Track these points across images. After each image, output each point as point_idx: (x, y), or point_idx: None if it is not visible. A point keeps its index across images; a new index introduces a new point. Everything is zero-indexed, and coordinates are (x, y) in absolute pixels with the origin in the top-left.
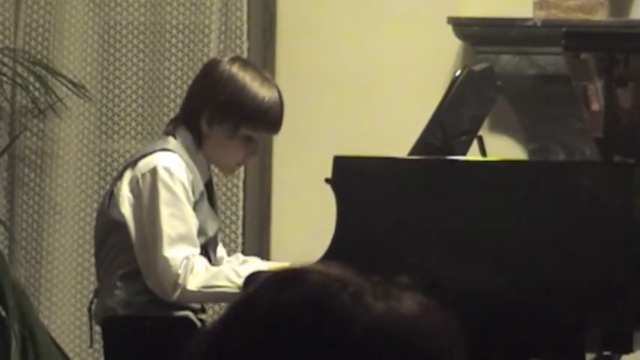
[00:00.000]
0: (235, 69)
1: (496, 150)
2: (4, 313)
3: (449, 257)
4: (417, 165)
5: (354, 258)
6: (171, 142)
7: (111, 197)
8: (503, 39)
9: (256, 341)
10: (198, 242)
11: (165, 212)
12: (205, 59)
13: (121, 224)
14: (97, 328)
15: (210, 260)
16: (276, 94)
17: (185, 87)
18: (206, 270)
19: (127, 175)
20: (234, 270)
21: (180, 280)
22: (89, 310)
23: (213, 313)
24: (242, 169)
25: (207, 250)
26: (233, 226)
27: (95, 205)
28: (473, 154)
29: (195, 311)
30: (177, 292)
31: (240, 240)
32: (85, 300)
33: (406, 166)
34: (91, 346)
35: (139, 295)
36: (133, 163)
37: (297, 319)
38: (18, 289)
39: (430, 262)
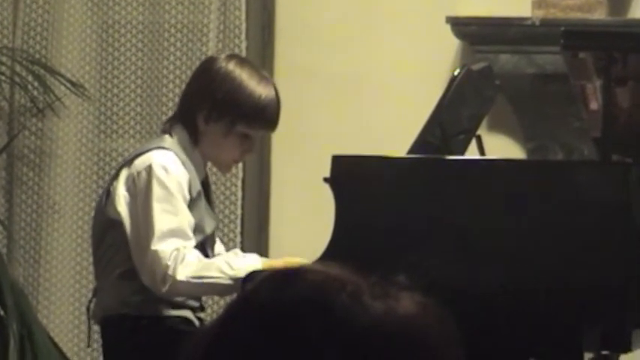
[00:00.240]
0: (232, 66)
1: (495, 149)
2: (2, 313)
3: (447, 256)
4: (415, 164)
5: (352, 257)
6: (168, 140)
7: (107, 196)
8: (502, 38)
9: (254, 340)
10: (192, 236)
11: (157, 208)
12: (203, 58)
13: (118, 223)
14: (96, 328)
15: (207, 257)
16: (272, 91)
17: (184, 86)
18: (198, 261)
19: (124, 174)
20: (226, 262)
21: (170, 272)
22: (87, 309)
23: (212, 312)
24: (240, 168)
25: (205, 248)
26: (232, 225)
27: (94, 205)
28: (471, 153)
29: (193, 310)
30: (168, 284)
31: (238, 239)
32: (84, 299)
33: (405, 165)
34: (89, 346)
35: (136, 293)
36: (129, 162)
37: (295, 319)
38: (16, 289)
39: (428, 262)
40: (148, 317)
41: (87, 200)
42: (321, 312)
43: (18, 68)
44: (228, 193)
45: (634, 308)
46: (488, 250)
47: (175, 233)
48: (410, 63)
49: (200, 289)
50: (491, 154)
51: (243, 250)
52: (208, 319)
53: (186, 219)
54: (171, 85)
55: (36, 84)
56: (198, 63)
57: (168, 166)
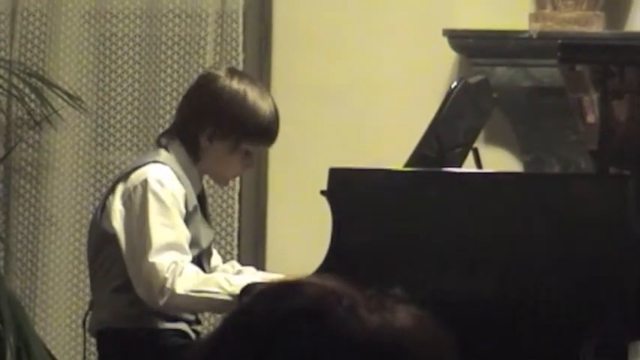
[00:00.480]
0: (235, 84)
1: (491, 162)
2: None
3: (444, 269)
4: (412, 177)
5: (349, 270)
6: (163, 154)
7: (103, 210)
8: (499, 51)
9: (251, 353)
10: (188, 250)
11: (154, 221)
12: (201, 71)
13: (113, 237)
14: (93, 340)
15: (203, 271)
16: (272, 106)
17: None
18: (196, 275)
19: (119, 189)
20: (225, 278)
21: (168, 285)
22: (84, 323)
23: (209, 325)
24: (237, 181)
25: (201, 262)
26: (228, 238)
27: (90, 217)
28: (468, 166)
29: (189, 323)
30: (165, 297)
31: (235, 252)
32: (81, 311)
33: (402, 178)
34: (84, 359)
35: (132, 307)
36: (125, 176)
37: (292, 331)
38: (13, 301)
39: (425, 274)
40: (144, 330)
41: (84, 213)
42: (317, 325)
43: (15, 80)
44: (225, 206)
45: (630, 320)
46: (485, 263)
47: (173, 247)
48: (407, 76)
49: (198, 303)
50: (488, 167)
51: (240, 263)
52: (205, 332)
53: (183, 233)
54: (168, 98)
55: (33, 96)
56: (195, 75)
57: (164, 180)
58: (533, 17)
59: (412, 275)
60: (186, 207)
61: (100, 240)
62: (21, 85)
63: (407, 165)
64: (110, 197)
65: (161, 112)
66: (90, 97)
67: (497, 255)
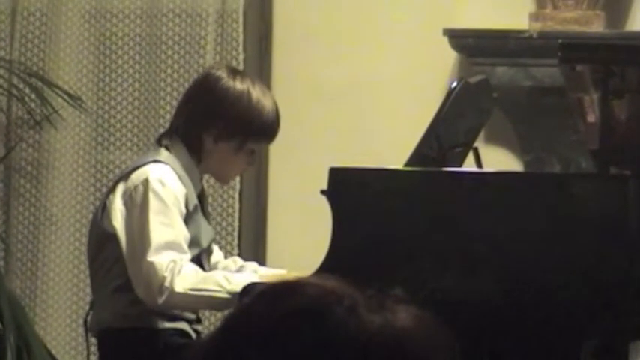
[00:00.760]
0: (239, 85)
1: (492, 162)
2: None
3: (444, 269)
4: (413, 176)
5: (349, 270)
6: (164, 154)
7: (103, 210)
8: (499, 51)
9: (252, 352)
10: (187, 249)
11: (154, 220)
12: (201, 70)
13: (114, 236)
14: (94, 340)
15: (203, 270)
16: (273, 102)
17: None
18: (195, 273)
19: (120, 188)
20: (224, 276)
21: (167, 283)
22: (85, 322)
23: (209, 324)
24: (237, 180)
25: (201, 261)
26: (229, 238)
27: (91, 217)
28: (468, 166)
29: (190, 322)
30: (165, 296)
31: (235, 251)
32: (81, 311)
33: (402, 177)
34: (87, 359)
35: (132, 306)
36: (125, 176)
37: (292, 331)
38: (14, 301)
39: (425, 274)
40: (145, 330)
41: (84, 212)
42: (318, 325)
43: (15, 80)
44: (225, 205)
45: (631, 320)
46: (485, 263)
47: (171, 246)
48: (407, 75)
49: (197, 301)
50: (489, 166)
51: None
52: (205, 331)
53: (182, 233)
54: (168, 98)
55: (33, 96)
56: (195, 75)
57: (165, 179)
58: (534, 17)
59: (412, 275)
60: (186, 206)
61: (101, 239)
62: (21, 85)
63: (407, 164)
64: (111, 197)
65: (161, 111)
66: (90, 96)
67: (497, 255)
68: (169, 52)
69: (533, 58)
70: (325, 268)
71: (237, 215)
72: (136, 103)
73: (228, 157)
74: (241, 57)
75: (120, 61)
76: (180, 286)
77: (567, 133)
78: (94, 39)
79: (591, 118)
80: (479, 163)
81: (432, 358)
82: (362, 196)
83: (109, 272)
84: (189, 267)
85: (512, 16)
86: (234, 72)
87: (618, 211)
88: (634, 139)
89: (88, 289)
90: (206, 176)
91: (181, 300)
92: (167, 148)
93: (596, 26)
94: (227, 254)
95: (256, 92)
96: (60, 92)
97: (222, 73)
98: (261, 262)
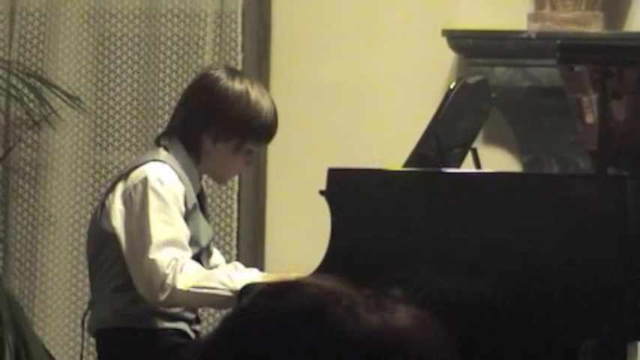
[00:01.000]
0: (238, 85)
1: (490, 162)
2: None
3: (443, 269)
4: (411, 177)
5: (348, 270)
6: (162, 153)
7: (102, 209)
8: (498, 51)
9: (250, 353)
10: (188, 248)
11: (154, 218)
12: (200, 71)
13: (113, 236)
14: (92, 340)
15: None
16: (271, 102)
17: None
18: (197, 271)
19: (119, 188)
20: (226, 274)
21: (169, 281)
22: (82, 322)
23: (208, 324)
24: (236, 180)
25: (200, 260)
26: (227, 238)
27: (89, 217)
28: (467, 166)
29: (189, 322)
30: (167, 293)
31: (234, 251)
32: (80, 311)
33: (400, 178)
34: (81, 358)
35: (131, 306)
36: (125, 176)
37: (290, 332)
38: (12, 301)
39: (424, 274)
40: (144, 330)
41: (82, 213)
42: (316, 325)
43: (14, 80)
44: (223, 205)
45: (630, 321)
46: (484, 264)
47: (173, 243)
48: (406, 76)
49: (199, 299)
50: (487, 167)
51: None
52: (204, 331)
53: (182, 230)
54: (167, 98)
55: (32, 96)
56: (194, 76)
57: (164, 178)
58: (532, 17)
59: (410, 275)
60: (185, 205)
61: (100, 239)
62: (20, 85)
63: (406, 165)
64: (110, 196)
65: (160, 112)
66: (89, 97)
67: (496, 255)
68: (168, 53)
69: (532, 58)
70: (324, 268)
71: (235, 215)
72: (135, 103)
73: (226, 157)
74: (240, 57)
75: (118, 62)
76: (183, 283)
77: (566, 133)
78: (92, 39)
79: (590, 118)
80: (477, 164)
81: (430, 358)
82: (360, 196)
83: (108, 272)
84: (192, 264)
85: (510, 17)
86: (232, 72)
87: (617, 211)
88: (632, 139)
89: (87, 290)
90: (205, 176)
91: (183, 297)
92: (166, 148)
93: (595, 27)
94: (225, 254)
95: (255, 93)
96: (58, 92)
97: (221, 74)
98: (260, 262)
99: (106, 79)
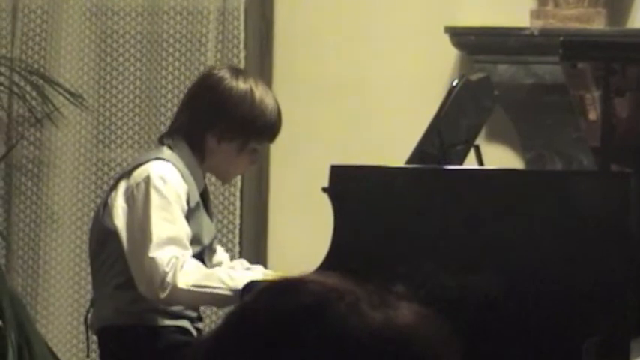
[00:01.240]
0: (242, 84)
1: (493, 159)
2: (0, 323)
3: (445, 266)
4: (414, 174)
5: (351, 267)
6: (166, 152)
7: (105, 207)
8: (501, 48)
9: (253, 350)
10: (189, 245)
11: (155, 216)
12: (202, 68)
13: (115, 234)
14: (94, 338)
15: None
16: (275, 100)
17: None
18: (198, 269)
19: (122, 186)
20: (227, 273)
21: (169, 279)
22: (85, 319)
23: (210, 322)
24: (238, 177)
25: (203, 258)
26: (230, 235)
27: (92, 215)
28: (470, 163)
29: (191, 320)
30: (167, 291)
31: (237, 248)
32: (82, 309)
33: (403, 175)
34: (88, 356)
35: (134, 304)
36: (127, 174)
37: (293, 329)
38: (15, 298)
39: (427, 271)
40: (146, 327)
41: (85, 210)
42: (319, 321)
43: (16, 78)
44: (226, 203)
45: (633, 318)
46: (487, 260)
47: (173, 241)
48: (408, 73)
49: (199, 298)
50: (490, 164)
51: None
52: (206, 329)
53: (183, 229)
54: (169, 95)
55: (34, 94)
56: (197, 73)
57: (166, 176)
58: (535, 14)
59: (413, 272)
60: (188, 204)
61: (102, 237)
62: (22, 83)
63: (408, 162)
64: (112, 194)
65: (162, 109)
66: (91, 94)
67: (499, 252)
68: (170, 50)
69: (535, 55)
70: (326, 265)
71: (238, 212)
72: (137, 100)
73: (230, 157)
74: (242, 55)
75: (121, 59)
76: (183, 282)
77: (568, 130)
78: (95, 37)
79: (592, 115)
80: (480, 161)
81: (433, 354)
82: (363, 193)
83: (111, 270)
84: (192, 263)
85: (513, 14)
86: (236, 72)
87: (619, 208)
88: (635, 136)
89: (89, 287)
90: (207, 174)
91: (183, 296)
92: (169, 147)
93: (598, 24)
94: (228, 251)
95: (259, 92)
96: (61, 90)
97: (225, 73)
98: (262, 259)
99: (108, 77)
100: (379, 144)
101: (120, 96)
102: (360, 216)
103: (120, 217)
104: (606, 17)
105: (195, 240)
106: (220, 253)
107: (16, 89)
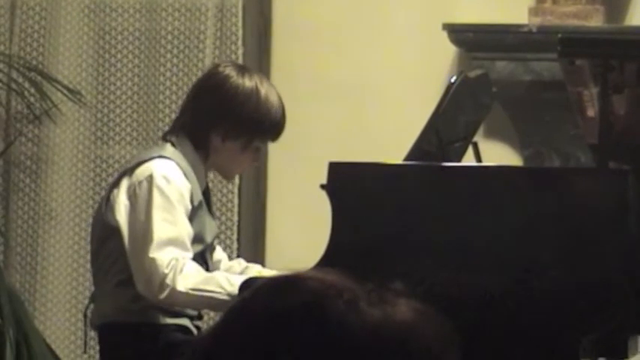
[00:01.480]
0: (248, 83)
1: (491, 156)
2: None
3: (444, 263)
4: (412, 171)
5: (349, 264)
6: (169, 149)
7: (107, 204)
8: (499, 45)
9: (251, 348)
10: (190, 247)
11: (157, 216)
12: (201, 65)
13: (117, 231)
14: (93, 334)
15: (207, 266)
16: (279, 100)
17: (180, 93)
18: (197, 273)
19: (125, 183)
20: (226, 278)
21: (168, 280)
22: (84, 315)
23: (209, 318)
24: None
25: (205, 257)
26: (228, 232)
27: (90, 211)
28: (468, 160)
29: (191, 318)
30: (165, 293)
31: (235, 246)
32: (80, 305)
33: (401, 172)
34: (85, 352)
35: (134, 301)
36: (130, 170)
37: (292, 326)
38: (13, 295)
39: (426, 268)
40: (146, 325)
41: (83, 207)
42: (318, 319)
43: (14, 75)
44: (224, 200)
45: (630, 315)
46: (485, 257)
47: (174, 242)
48: (407, 70)
49: (197, 301)
50: (488, 161)
51: (240, 256)
52: (206, 327)
53: (185, 230)
54: (167, 92)
55: (32, 90)
56: (195, 70)
57: (170, 175)
58: (533, 11)
59: (412, 269)
60: (191, 202)
61: (104, 233)
62: (20, 79)
63: (406, 159)
64: (115, 190)
65: (160, 106)
66: (89, 91)
67: (497, 249)
68: (168, 47)
69: (533, 52)
70: (325, 262)
71: (236, 210)
72: (136, 97)
73: (235, 154)
74: (240, 52)
75: (119, 56)
76: (182, 285)
77: (567, 127)
78: (93, 33)
79: (591, 112)
80: (478, 158)
81: (432, 351)
82: (361, 190)
83: (113, 267)
84: (192, 266)
85: (511, 11)
86: (242, 69)
87: (618, 205)
88: (633, 133)
89: (88, 284)
90: (209, 172)
91: (181, 299)
92: (173, 144)
93: (596, 20)
94: (226, 249)
95: (264, 90)
96: (59, 87)
97: (231, 71)
98: (261, 256)
99: (106, 74)
100: (377, 141)
101: (118, 93)
102: (359, 213)
103: (122, 214)
104: (604, 14)
105: (198, 238)
106: (218, 252)
107: (14, 86)
